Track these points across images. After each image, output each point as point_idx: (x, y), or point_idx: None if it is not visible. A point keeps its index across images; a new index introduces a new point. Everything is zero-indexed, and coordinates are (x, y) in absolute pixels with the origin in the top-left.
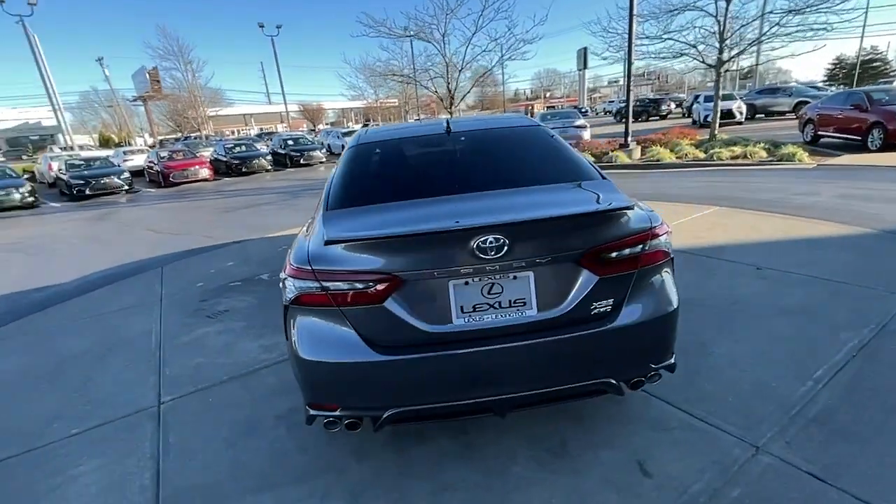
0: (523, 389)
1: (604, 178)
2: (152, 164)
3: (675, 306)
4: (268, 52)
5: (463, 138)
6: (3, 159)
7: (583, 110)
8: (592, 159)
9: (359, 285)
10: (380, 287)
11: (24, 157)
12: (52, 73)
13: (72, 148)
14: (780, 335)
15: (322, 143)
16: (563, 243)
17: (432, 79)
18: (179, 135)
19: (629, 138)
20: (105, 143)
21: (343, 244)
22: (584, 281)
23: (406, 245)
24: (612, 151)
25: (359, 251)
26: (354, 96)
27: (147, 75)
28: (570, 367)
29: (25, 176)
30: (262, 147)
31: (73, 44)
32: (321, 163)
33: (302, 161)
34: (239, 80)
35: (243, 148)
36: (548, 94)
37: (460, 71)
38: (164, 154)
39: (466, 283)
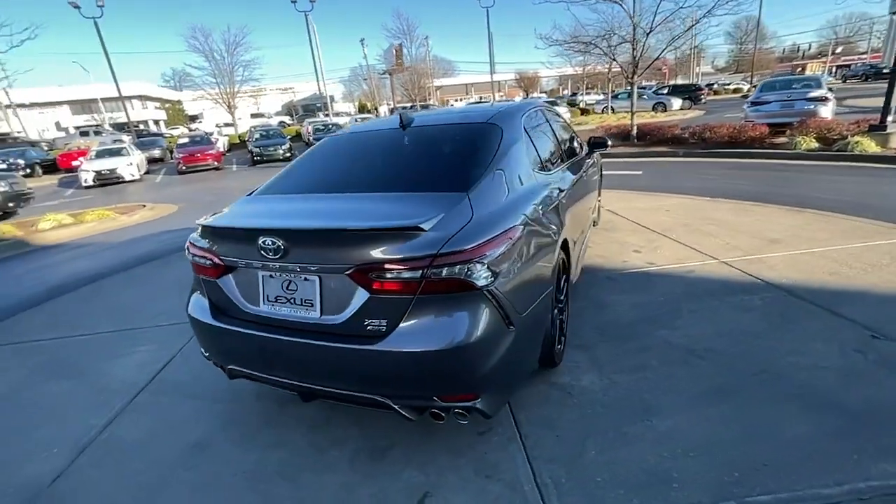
0: (311, 383)
1: (468, 189)
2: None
3: (466, 342)
4: (490, 22)
5: (406, 137)
6: (291, 122)
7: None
8: (815, 146)
9: (205, 262)
10: (214, 267)
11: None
12: (332, 53)
13: (337, 114)
14: None
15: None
16: (334, 255)
17: (615, 45)
18: (410, 104)
19: (890, 116)
20: (361, 109)
21: (202, 228)
22: (359, 295)
23: (224, 235)
24: (854, 137)
25: (208, 235)
26: (558, 65)
27: (393, 51)
28: (343, 376)
29: (290, 136)
30: None
31: (348, 27)
32: None
33: None
34: (464, 51)
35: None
36: (839, 50)
37: (648, 34)
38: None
39: (272, 276)
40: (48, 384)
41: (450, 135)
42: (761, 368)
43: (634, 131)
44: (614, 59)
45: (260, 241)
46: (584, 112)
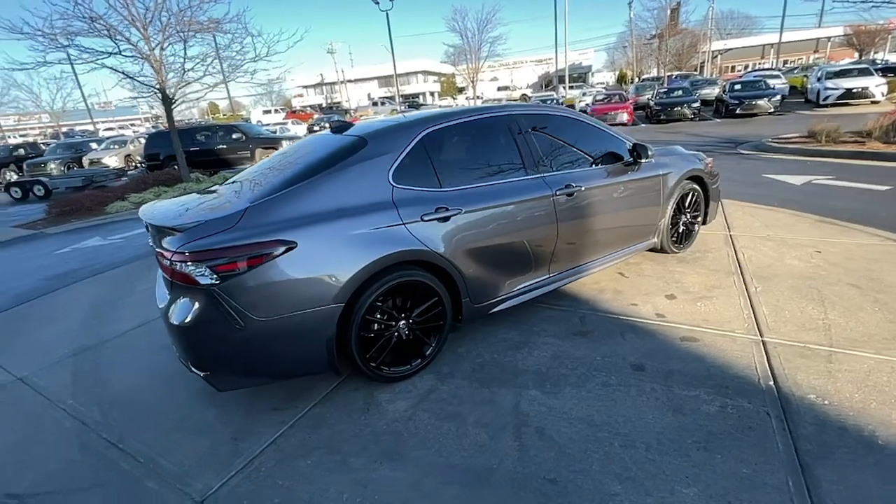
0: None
1: (255, 201)
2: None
3: (183, 326)
4: None
5: (315, 145)
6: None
7: None
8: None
9: None
10: None
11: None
12: (597, 19)
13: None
14: None
15: (810, 88)
16: (160, 244)
17: None
18: (677, 72)
19: None
20: (621, 80)
21: None
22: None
23: None
24: None
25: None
26: None
27: (668, 11)
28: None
29: None
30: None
31: None
32: (769, 113)
33: (739, 111)
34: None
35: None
36: None
37: None
38: (600, 97)
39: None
40: None
41: (329, 146)
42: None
43: None
44: None
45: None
46: None
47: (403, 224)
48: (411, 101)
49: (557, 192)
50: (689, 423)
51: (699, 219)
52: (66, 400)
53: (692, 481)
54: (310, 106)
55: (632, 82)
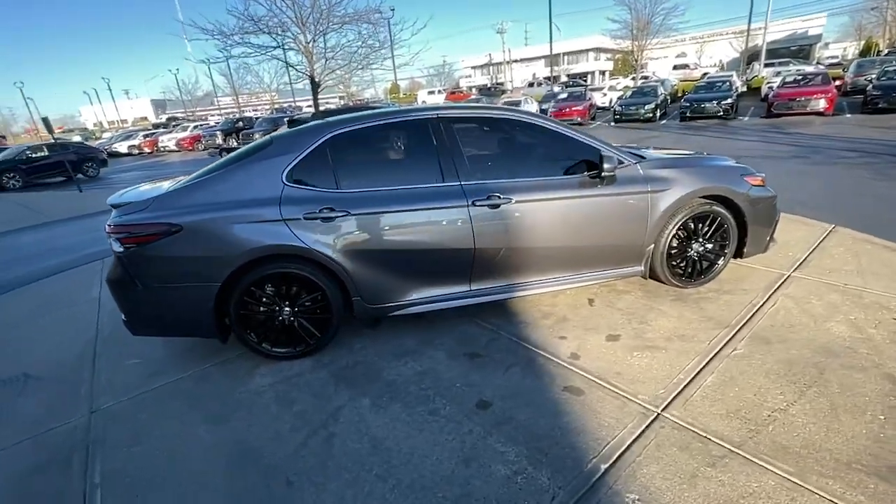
0: None
1: (173, 187)
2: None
3: (108, 280)
4: None
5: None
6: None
7: None
8: None
9: None
10: None
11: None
12: None
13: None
14: None
15: None
16: None
17: None
18: None
19: None
20: (866, 52)
21: None
22: None
23: None
24: None
25: None
26: None
27: None
28: None
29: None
30: None
31: None
32: None
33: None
34: None
35: None
36: None
37: None
38: (790, 79)
39: None
40: None
41: (254, 143)
42: None
43: None
44: None
45: None
46: None
47: (284, 221)
48: (574, 81)
49: (476, 203)
50: (461, 478)
51: (727, 250)
52: None
53: None
54: (475, 87)
55: (878, 54)
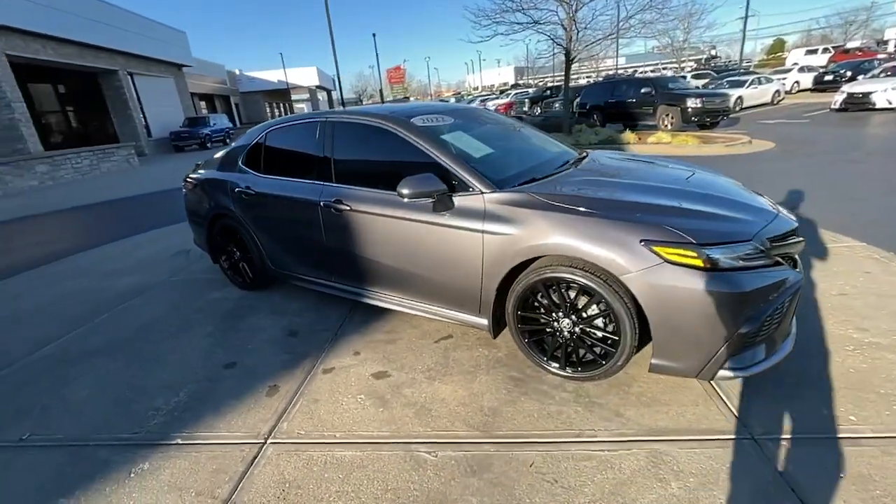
0: None
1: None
2: None
3: None
4: None
5: None
6: None
7: None
8: None
9: None
10: None
11: None
12: None
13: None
14: None
15: None
16: None
17: None
18: None
19: None
20: None
21: None
22: None
23: None
24: None
25: None
26: None
27: None
28: None
29: None
30: None
31: None
32: None
33: None
34: None
35: None
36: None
37: None
38: None
39: None
40: None
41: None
42: None
43: None
44: None
45: None
46: None
47: (230, 193)
48: None
49: (325, 204)
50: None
51: (623, 343)
52: None
53: None
54: None
55: None
